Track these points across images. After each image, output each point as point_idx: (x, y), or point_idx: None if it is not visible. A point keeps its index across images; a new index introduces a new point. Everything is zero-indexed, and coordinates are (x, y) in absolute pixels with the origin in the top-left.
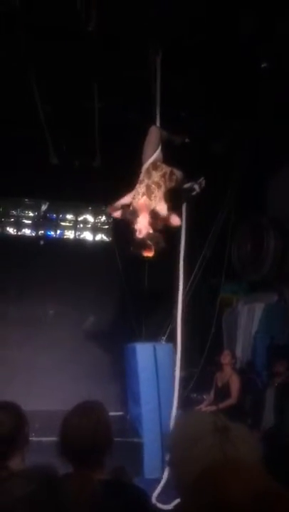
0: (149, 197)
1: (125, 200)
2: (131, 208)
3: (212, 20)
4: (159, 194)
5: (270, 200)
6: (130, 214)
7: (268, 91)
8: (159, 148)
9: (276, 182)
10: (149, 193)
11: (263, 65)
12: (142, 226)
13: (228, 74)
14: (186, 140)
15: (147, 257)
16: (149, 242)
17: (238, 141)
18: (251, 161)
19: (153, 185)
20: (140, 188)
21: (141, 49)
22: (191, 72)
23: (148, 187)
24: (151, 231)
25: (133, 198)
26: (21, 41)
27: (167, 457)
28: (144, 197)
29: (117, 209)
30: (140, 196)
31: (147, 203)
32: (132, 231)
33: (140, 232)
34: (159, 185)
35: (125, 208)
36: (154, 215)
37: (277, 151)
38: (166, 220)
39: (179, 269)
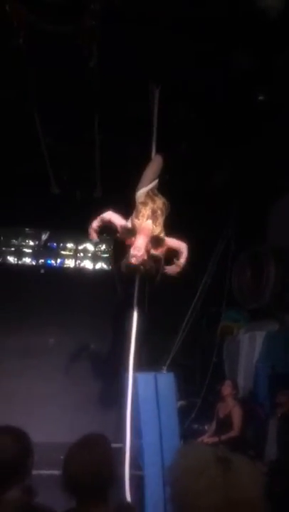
0: (154, 222)
1: (113, 218)
2: (130, 226)
3: (208, 56)
4: (161, 221)
5: (270, 229)
6: (128, 232)
7: (266, 121)
8: (157, 179)
9: (276, 210)
10: (154, 218)
11: (259, 98)
12: (141, 246)
13: (227, 106)
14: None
15: (131, 266)
16: (140, 265)
17: (237, 170)
18: (251, 190)
19: (158, 211)
20: (145, 210)
21: (141, 83)
22: (189, 105)
23: (154, 211)
24: (145, 257)
25: (136, 218)
26: (23, 76)
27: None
28: (150, 221)
29: (96, 231)
30: (145, 219)
31: (151, 228)
32: (124, 248)
33: (139, 250)
34: (162, 212)
35: (108, 224)
36: (155, 241)
37: (277, 180)
38: (162, 250)
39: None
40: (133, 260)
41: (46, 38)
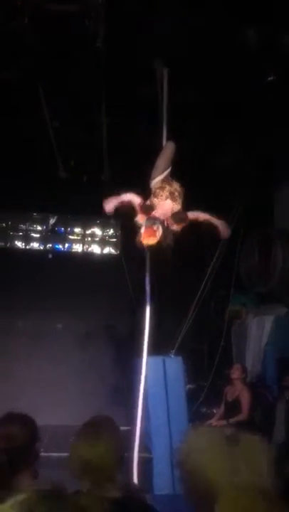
0: (174, 202)
1: (133, 200)
2: (149, 203)
3: (216, 34)
4: (180, 202)
5: (278, 212)
6: (148, 208)
7: (274, 103)
8: (170, 166)
9: (284, 194)
10: (173, 198)
11: (269, 78)
12: (162, 214)
13: (235, 87)
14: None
15: (148, 245)
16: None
17: (245, 153)
18: (259, 173)
19: (176, 193)
20: (163, 192)
21: (148, 64)
22: (198, 87)
23: (172, 193)
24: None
25: (155, 197)
26: (30, 58)
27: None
28: (169, 200)
29: (113, 203)
30: (164, 199)
31: (171, 207)
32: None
33: (161, 214)
34: (179, 194)
35: (125, 205)
36: (177, 216)
37: (286, 163)
38: (184, 225)
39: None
40: (154, 228)
41: (52, 17)
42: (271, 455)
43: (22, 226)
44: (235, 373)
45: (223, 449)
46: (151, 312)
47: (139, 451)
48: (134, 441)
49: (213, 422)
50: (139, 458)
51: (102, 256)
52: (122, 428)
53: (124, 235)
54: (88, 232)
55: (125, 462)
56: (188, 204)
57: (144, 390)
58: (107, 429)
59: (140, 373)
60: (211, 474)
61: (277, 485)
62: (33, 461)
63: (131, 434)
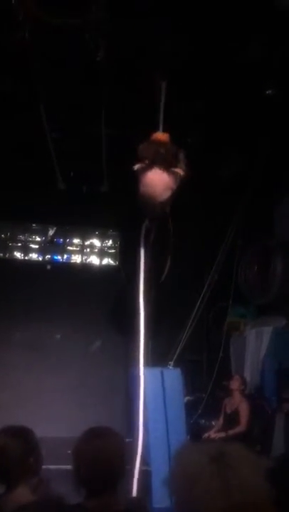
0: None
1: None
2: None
3: (218, 47)
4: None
5: (278, 223)
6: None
7: (274, 114)
8: None
9: (284, 205)
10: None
11: (267, 92)
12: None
13: (235, 99)
14: None
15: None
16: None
17: (245, 164)
18: (260, 184)
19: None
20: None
21: (148, 76)
22: (197, 99)
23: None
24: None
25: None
26: (31, 69)
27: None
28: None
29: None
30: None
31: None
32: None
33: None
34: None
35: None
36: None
37: (286, 173)
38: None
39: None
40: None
41: (53, 30)
42: (264, 467)
43: (21, 237)
44: (235, 384)
45: (210, 468)
46: (145, 323)
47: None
48: (135, 453)
49: (212, 434)
50: (139, 471)
51: (101, 267)
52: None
53: (123, 246)
54: (87, 243)
55: (127, 473)
56: (188, 215)
57: (143, 402)
58: (112, 438)
59: (138, 385)
60: (197, 495)
61: (275, 498)
62: (31, 475)
63: (133, 445)
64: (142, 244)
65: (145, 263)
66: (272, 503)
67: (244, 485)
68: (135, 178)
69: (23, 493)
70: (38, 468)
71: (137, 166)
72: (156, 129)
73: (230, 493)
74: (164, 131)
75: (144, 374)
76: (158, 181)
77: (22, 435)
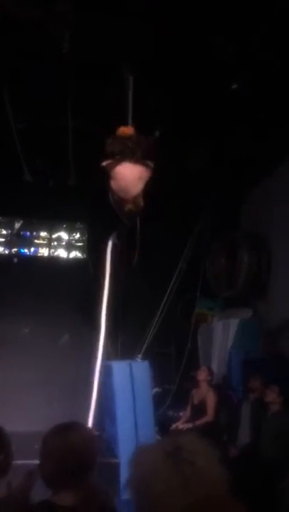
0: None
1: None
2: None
3: (184, 40)
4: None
5: (245, 217)
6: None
7: (243, 105)
8: None
9: (251, 199)
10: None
11: (233, 86)
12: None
13: (202, 92)
14: None
15: (125, 135)
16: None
17: (212, 158)
18: (226, 178)
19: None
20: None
21: (115, 69)
22: (164, 91)
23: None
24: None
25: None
26: None
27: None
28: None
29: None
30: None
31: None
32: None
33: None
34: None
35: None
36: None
37: (252, 167)
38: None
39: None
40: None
41: (18, 22)
42: (218, 457)
43: None
44: (202, 375)
45: (166, 465)
46: (111, 316)
47: (107, 456)
48: (101, 446)
49: (180, 424)
50: (107, 464)
51: (69, 260)
52: None
53: (91, 239)
54: (54, 236)
55: (96, 466)
56: (155, 209)
57: (111, 394)
58: (80, 433)
59: (108, 377)
60: (157, 494)
61: (233, 485)
62: (0, 473)
63: (99, 439)
64: (108, 256)
65: (112, 264)
66: (230, 491)
67: (201, 478)
68: (104, 173)
69: None
70: (8, 466)
71: (105, 162)
72: (124, 122)
73: (189, 488)
74: (131, 124)
75: (112, 366)
76: (129, 175)
77: None
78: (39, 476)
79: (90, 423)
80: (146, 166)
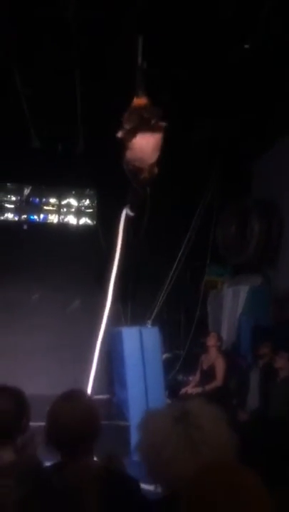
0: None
1: None
2: None
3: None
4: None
5: (255, 183)
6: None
7: (251, 73)
8: None
9: (261, 164)
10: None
11: (245, 46)
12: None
13: (211, 57)
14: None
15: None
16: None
17: (223, 123)
18: (236, 144)
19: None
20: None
21: (122, 34)
22: (174, 57)
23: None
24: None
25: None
26: (1, 27)
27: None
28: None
29: None
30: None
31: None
32: None
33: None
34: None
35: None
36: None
37: (261, 133)
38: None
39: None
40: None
41: None
42: (225, 421)
43: None
44: (211, 341)
45: (175, 430)
46: (120, 283)
47: (118, 419)
48: (112, 409)
49: (189, 389)
50: (118, 426)
51: (78, 227)
52: (101, 397)
53: (101, 206)
54: (64, 202)
55: (102, 432)
56: (164, 174)
57: (121, 359)
58: (84, 400)
59: (118, 342)
60: (167, 458)
61: (241, 449)
62: (17, 436)
63: (109, 402)
64: (121, 229)
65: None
66: (237, 455)
67: (209, 442)
68: (113, 140)
69: (7, 454)
70: (28, 428)
71: (120, 133)
72: (132, 89)
73: (198, 452)
74: (142, 90)
75: (122, 332)
76: (146, 145)
77: (16, 396)
78: (43, 439)
79: (89, 388)
80: (161, 130)
